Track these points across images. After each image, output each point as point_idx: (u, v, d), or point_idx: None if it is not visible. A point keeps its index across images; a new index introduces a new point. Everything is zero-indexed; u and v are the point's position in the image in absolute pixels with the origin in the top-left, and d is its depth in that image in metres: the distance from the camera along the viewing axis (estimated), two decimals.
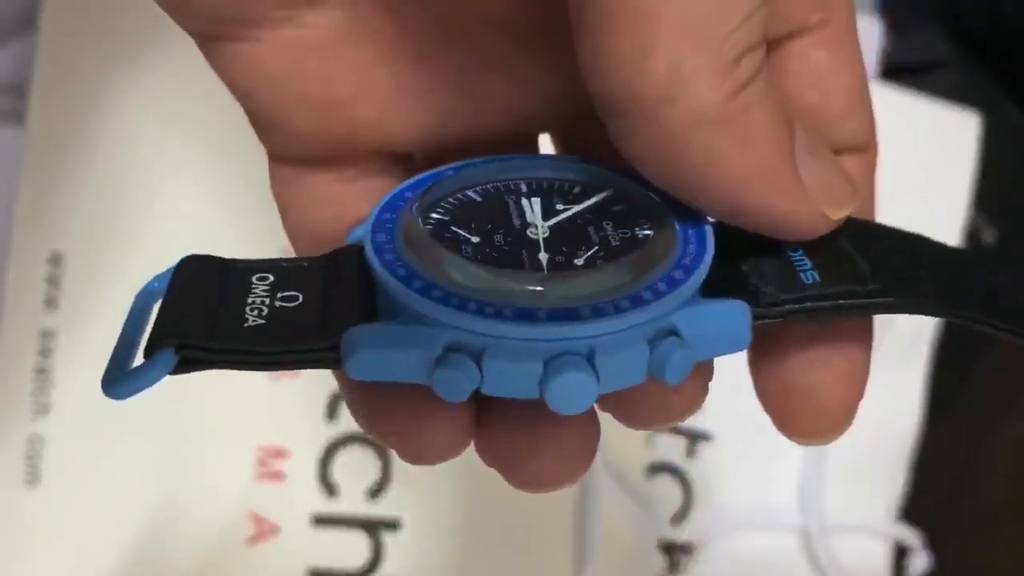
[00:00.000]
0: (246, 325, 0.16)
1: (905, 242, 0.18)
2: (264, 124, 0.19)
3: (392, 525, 0.36)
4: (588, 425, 0.17)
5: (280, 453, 0.36)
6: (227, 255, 0.18)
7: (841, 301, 0.17)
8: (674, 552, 0.38)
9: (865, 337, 0.18)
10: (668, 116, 0.14)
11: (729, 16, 0.14)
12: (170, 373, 0.16)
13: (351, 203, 0.19)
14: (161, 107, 0.36)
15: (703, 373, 0.17)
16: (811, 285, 0.17)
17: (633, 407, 0.17)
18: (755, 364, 0.18)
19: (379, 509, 0.36)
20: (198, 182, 0.36)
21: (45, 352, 0.35)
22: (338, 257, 0.17)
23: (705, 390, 0.17)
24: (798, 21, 0.17)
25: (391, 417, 0.16)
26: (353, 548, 0.36)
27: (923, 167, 0.40)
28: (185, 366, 0.16)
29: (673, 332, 0.16)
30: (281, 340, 0.16)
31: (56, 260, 0.36)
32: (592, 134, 0.18)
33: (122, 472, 0.35)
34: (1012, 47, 0.45)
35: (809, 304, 0.17)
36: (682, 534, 0.38)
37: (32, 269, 0.35)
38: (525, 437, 0.17)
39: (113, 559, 0.35)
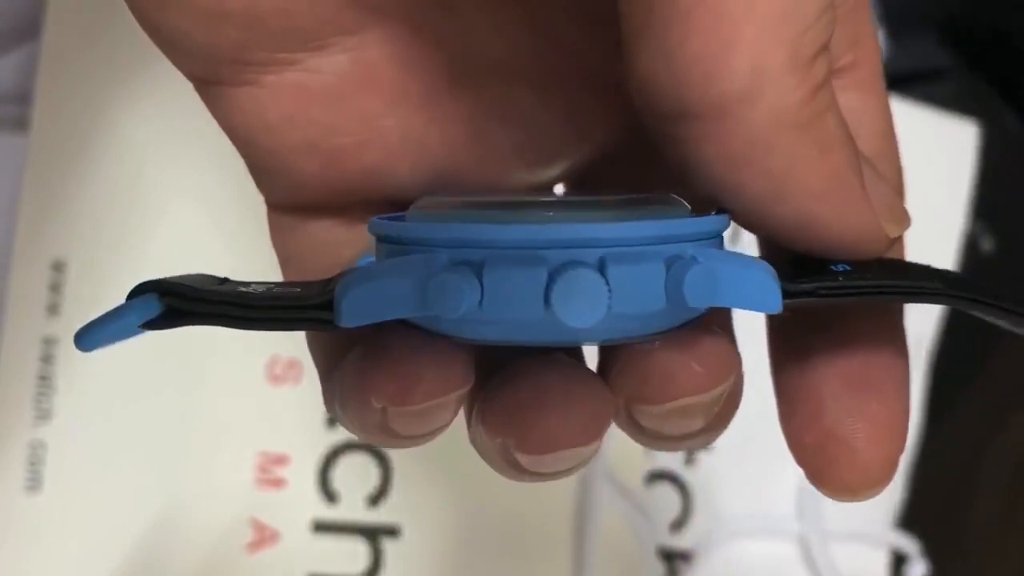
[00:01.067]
0: (239, 290, 0.15)
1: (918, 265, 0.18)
2: (265, 173, 0.18)
3: (392, 532, 0.36)
4: (597, 387, 0.16)
5: (280, 460, 0.36)
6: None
7: (877, 283, 0.16)
8: (673, 560, 0.38)
9: (904, 388, 0.17)
10: (750, 117, 0.14)
11: (807, 13, 0.14)
12: (149, 326, 0.15)
13: (355, 248, 0.18)
14: (164, 114, 0.36)
15: (728, 355, 0.16)
16: (843, 272, 0.16)
17: (652, 380, 0.15)
18: (789, 416, 0.17)
19: (379, 516, 0.36)
20: (201, 189, 0.36)
21: (47, 358, 0.35)
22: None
23: (731, 370, 0.16)
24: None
25: (380, 364, 0.15)
26: (353, 555, 0.36)
27: (922, 176, 0.40)
28: (168, 320, 0.15)
29: (693, 260, 0.15)
30: (273, 300, 0.15)
31: (58, 267, 0.36)
32: (605, 180, 0.18)
33: (123, 478, 0.35)
34: (1011, 56, 0.45)
35: (842, 283, 0.16)
36: (681, 542, 0.38)
37: (34, 275, 0.35)
38: (531, 393, 0.15)
39: (114, 565, 0.35)
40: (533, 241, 0.14)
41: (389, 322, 0.15)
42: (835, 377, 0.17)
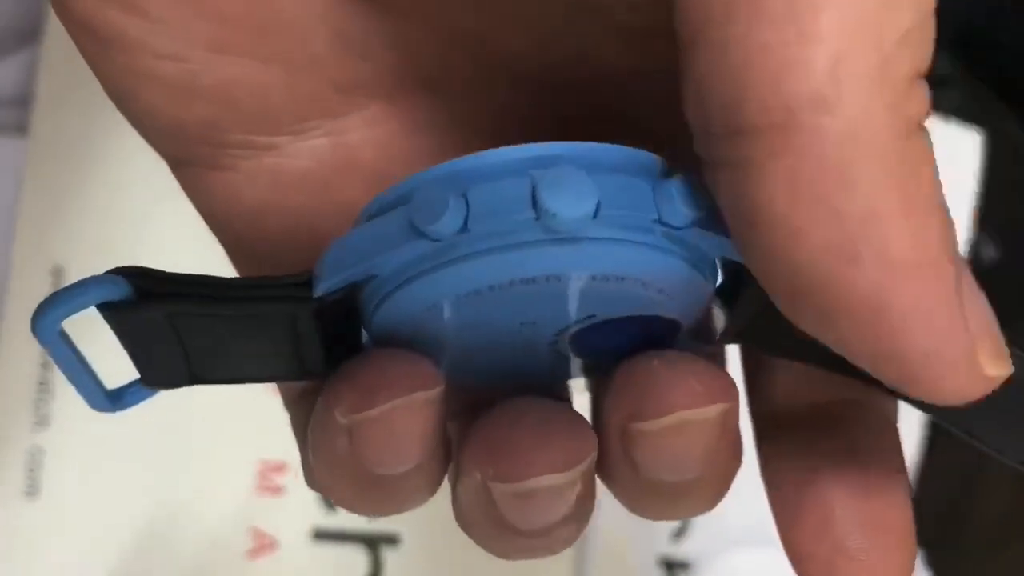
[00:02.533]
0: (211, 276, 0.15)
1: None
2: (242, 258, 0.17)
3: (391, 540, 0.36)
4: (578, 420, 0.15)
5: (280, 467, 0.36)
6: (230, 268, 0.17)
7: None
8: (674, 569, 0.38)
9: (908, 491, 0.16)
10: (825, 128, 0.11)
11: (898, 17, 0.11)
12: (115, 308, 0.14)
13: None
14: None
15: (726, 380, 0.15)
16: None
17: (650, 392, 0.14)
18: (791, 527, 0.16)
19: (378, 524, 0.36)
20: None
21: (46, 364, 0.35)
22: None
23: (728, 395, 0.14)
24: None
25: (344, 378, 0.14)
26: (352, 563, 0.36)
27: None
28: (135, 303, 0.14)
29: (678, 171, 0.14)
30: (248, 280, 0.15)
31: (57, 273, 0.36)
32: None
33: (122, 485, 0.35)
34: (1014, 66, 0.45)
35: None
36: (681, 551, 0.38)
37: (33, 282, 0.35)
38: (509, 420, 0.15)
39: (112, 572, 0.35)
40: (514, 160, 0.13)
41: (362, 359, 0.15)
42: (840, 484, 0.16)
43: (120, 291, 0.14)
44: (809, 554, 0.16)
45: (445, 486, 0.17)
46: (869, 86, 0.11)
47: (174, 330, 0.15)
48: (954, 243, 0.12)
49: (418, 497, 0.16)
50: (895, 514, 0.16)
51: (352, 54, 0.16)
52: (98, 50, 0.15)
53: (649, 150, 0.14)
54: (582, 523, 0.15)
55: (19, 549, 0.35)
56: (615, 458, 0.15)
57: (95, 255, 0.36)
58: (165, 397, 0.38)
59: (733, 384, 0.15)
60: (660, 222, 0.14)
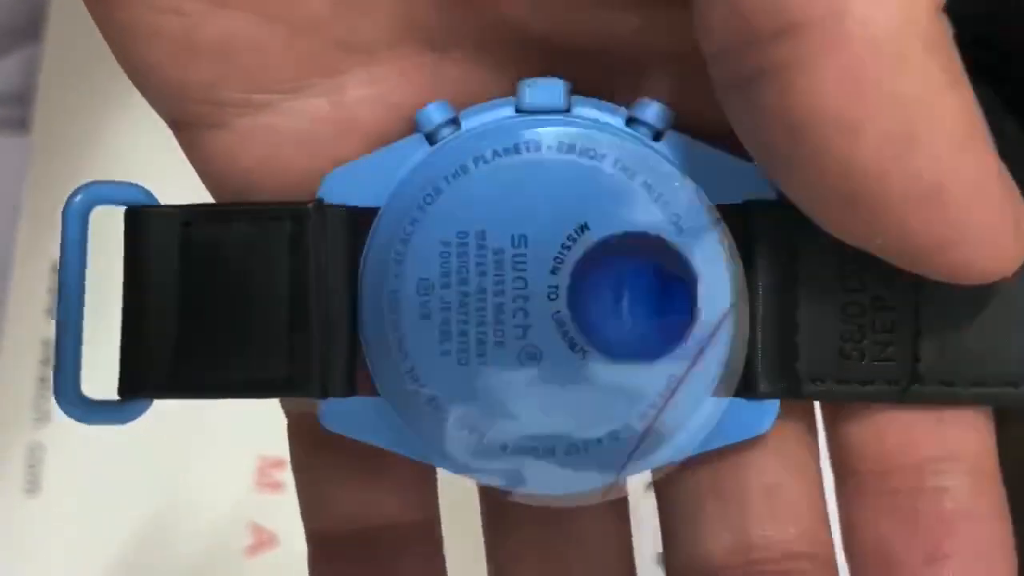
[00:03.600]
0: (215, 359, 0.15)
1: None
2: None
3: None
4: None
5: (280, 463, 0.36)
6: None
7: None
8: None
9: (1009, 554, 0.15)
10: (877, 18, 0.11)
11: None
12: (137, 210, 0.15)
13: None
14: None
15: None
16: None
17: None
18: None
19: None
20: (202, 191, 0.36)
21: (47, 361, 0.35)
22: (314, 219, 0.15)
23: None
24: None
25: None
26: None
27: None
28: (155, 208, 0.16)
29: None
30: (249, 382, 0.15)
31: (58, 269, 0.36)
32: None
33: (122, 481, 0.35)
34: (1013, 64, 0.45)
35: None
36: None
37: (34, 278, 0.35)
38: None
39: (112, 568, 0.35)
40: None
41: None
42: (915, 548, 0.15)
43: (148, 199, 0.15)
44: None
45: (442, 483, 0.17)
46: None
47: (180, 257, 0.15)
48: (988, 134, 0.12)
49: None
50: None
51: (353, 11, 0.15)
52: (102, 9, 0.15)
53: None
54: None
55: (19, 546, 0.35)
56: None
57: (96, 251, 0.36)
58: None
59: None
60: (633, 119, 0.15)
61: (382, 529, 0.17)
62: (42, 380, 0.35)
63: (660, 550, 0.37)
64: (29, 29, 0.37)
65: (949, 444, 0.15)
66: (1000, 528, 0.15)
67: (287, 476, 0.36)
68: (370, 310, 0.15)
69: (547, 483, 0.14)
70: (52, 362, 0.35)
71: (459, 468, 0.15)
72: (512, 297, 0.14)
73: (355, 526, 0.17)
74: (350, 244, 0.15)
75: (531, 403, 0.14)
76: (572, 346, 0.14)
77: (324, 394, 0.15)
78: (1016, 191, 0.13)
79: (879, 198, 0.12)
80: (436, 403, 0.14)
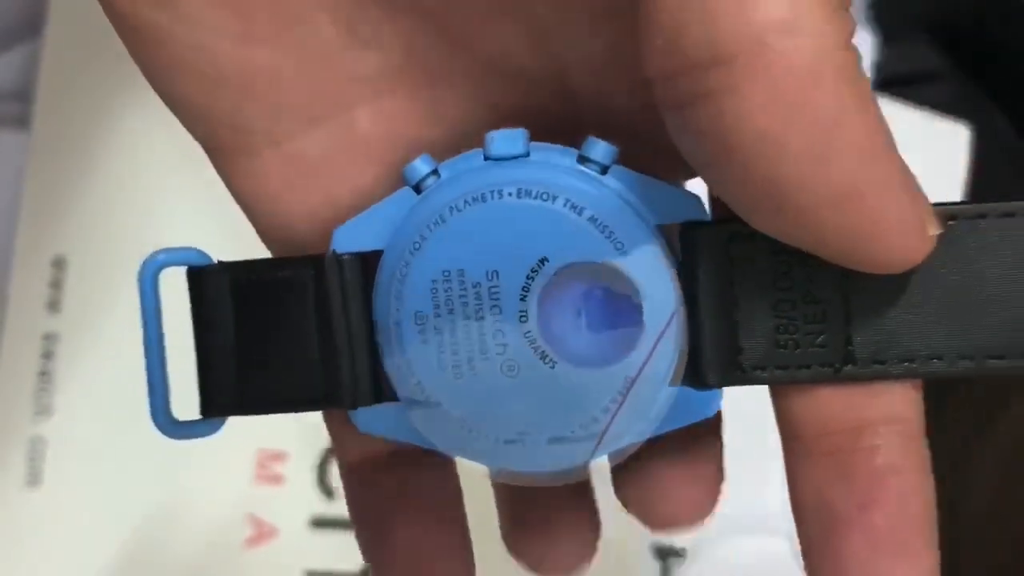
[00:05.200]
0: (269, 384, 0.18)
1: None
2: (271, 239, 0.19)
3: None
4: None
5: (279, 456, 0.36)
6: (230, 259, 0.18)
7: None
8: (667, 556, 0.38)
9: (934, 537, 0.17)
10: (794, 48, 0.13)
11: None
12: (197, 270, 0.18)
13: None
14: (165, 112, 0.36)
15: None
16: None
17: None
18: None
19: None
20: (202, 186, 0.36)
21: (47, 355, 0.36)
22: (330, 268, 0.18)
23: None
24: None
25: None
26: (351, 551, 0.36)
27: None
28: (210, 268, 0.18)
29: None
30: (297, 400, 0.18)
31: (59, 263, 0.36)
32: None
33: (122, 474, 0.35)
34: (1003, 60, 0.46)
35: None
36: (675, 539, 0.38)
37: (35, 272, 0.36)
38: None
39: (113, 560, 0.35)
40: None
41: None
42: (862, 540, 0.16)
43: (204, 259, 0.18)
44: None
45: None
46: (820, 11, 0.13)
47: (233, 303, 0.18)
48: (890, 134, 0.14)
49: None
50: (915, 569, 0.16)
51: (360, 46, 0.17)
52: (138, 44, 0.17)
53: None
54: None
55: (20, 538, 0.35)
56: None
57: (97, 246, 0.36)
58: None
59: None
60: (582, 157, 0.17)
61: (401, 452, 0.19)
62: (42, 374, 0.35)
63: (655, 541, 0.38)
64: (30, 25, 0.37)
65: (881, 410, 0.17)
66: (923, 480, 0.17)
67: (286, 469, 0.37)
68: (383, 336, 0.18)
69: (532, 466, 0.17)
70: (53, 356, 0.35)
71: (463, 456, 0.18)
72: (491, 321, 0.17)
73: (380, 450, 0.19)
74: (363, 283, 0.18)
75: (514, 406, 0.17)
76: (543, 358, 0.17)
77: (354, 405, 0.18)
78: (921, 190, 0.15)
79: (802, 204, 0.14)
80: (440, 409, 0.17)
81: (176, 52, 0.17)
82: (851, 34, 0.14)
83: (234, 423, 0.36)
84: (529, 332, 0.17)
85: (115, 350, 0.36)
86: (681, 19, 0.13)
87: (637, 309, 0.17)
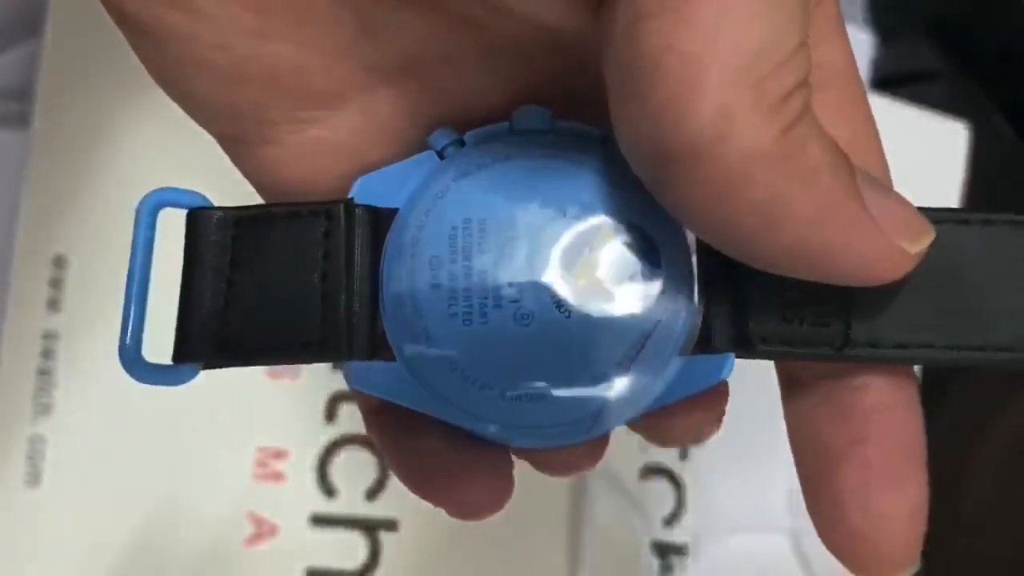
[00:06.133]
0: (257, 328, 0.17)
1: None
2: None
3: (390, 526, 0.37)
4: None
5: (279, 454, 0.36)
6: None
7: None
8: (667, 554, 0.38)
9: (922, 469, 0.18)
10: (722, 156, 0.14)
11: (774, 55, 0.14)
12: (198, 210, 0.18)
13: None
14: (165, 110, 0.36)
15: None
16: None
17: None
18: (814, 510, 0.18)
19: (377, 510, 0.37)
20: (202, 184, 0.36)
21: (47, 353, 0.36)
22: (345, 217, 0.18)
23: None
24: None
25: (432, 482, 0.18)
26: (351, 548, 0.36)
27: (912, 176, 0.41)
28: (213, 209, 0.18)
29: None
30: (286, 345, 0.17)
31: (59, 262, 0.36)
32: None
33: (122, 473, 0.35)
34: (1001, 58, 0.46)
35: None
36: (675, 536, 0.38)
37: (35, 271, 0.36)
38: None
39: (113, 559, 0.35)
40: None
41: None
42: (856, 473, 0.17)
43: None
44: (829, 536, 0.18)
45: None
46: (751, 116, 0.14)
47: (232, 243, 0.17)
48: (849, 182, 0.15)
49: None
50: (907, 499, 0.17)
51: (375, 37, 0.17)
52: (151, 45, 0.17)
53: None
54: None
55: (20, 537, 0.35)
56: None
57: (97, 245, 0.36)
58: (164, 389, 0.38)
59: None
60: (605, 136, 0.17)
61: None
62: (42, 373, 0.35)
63: (655, 538, 0.38)
64: (30, 24, 0.37)
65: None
66: (912, 416, 0.18)
67: (286, 467, 0.37)
68: (391, 285, 0.17)
69: (540, 419, 0.17)
70: (53, 354, 0.35)
71: (464, 418, 0.17)
72: (508, 269, 0.17)
73: None
74: (373, 236, 0.18)
75: (525, 356, 0.17)
76: (558, 307, 0.17)
77: (350, 356, 0.17)
78: (901, 208, 0.16)
79: (768, 260, 0.15)
80: (447, 359, 0.17)
81: (194, 51, 0.17)
82: (798, 115, 0.15)
83: (234, 420, 0.36)
84: (546, 281, 0.17)
85: (115, 349, 0.36)
86: (633, 121, 0.15)
87: (655, 265, 0.17)
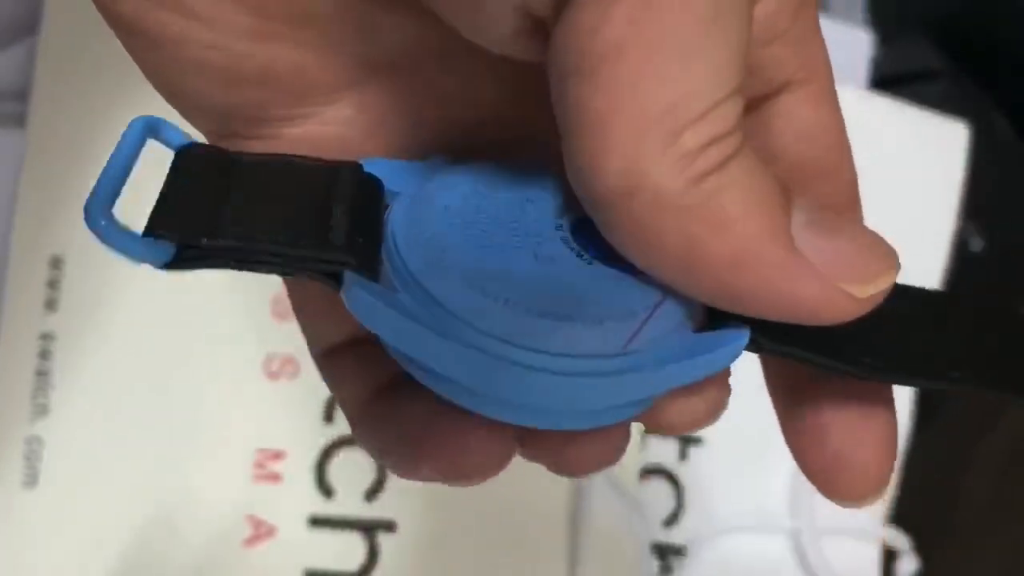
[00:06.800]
0: (250, 223, 0.15)
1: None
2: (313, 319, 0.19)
3: (388, 527, 0.37)
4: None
5: (277, 455, 0.36)
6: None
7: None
8: (667, 555, 0.38)
9: (893, 405, 0.19)
10: (632, 208, 0.15)
11: (687, 111, 0.15)
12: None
13: None
14: (162, 111, 0.36)
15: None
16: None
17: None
18: (795, 442, 0.19)
19: (375, 511, 0.37)
20: None
21: (44, 354, 0.35)
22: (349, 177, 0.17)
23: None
24: (781, 79, 0.18)
25: (432, 439, 0.17)
26: (349, 550, 0.36)
27: (912, 176, 0.41)
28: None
29: None
30: (280, 239, 0.15)
31: (56, 263, 0.36)
32: None
33: (120, 474, 0.35)
34: (1001, 58, 0.46)
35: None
36: (675, 537, 0.38)
37: (32, 272, 0.36)
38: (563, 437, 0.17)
39: (111, 561, 0.35)
40: None
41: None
42: (834, 410, 0.18)
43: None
44: (810, 464, 0.18)
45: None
46: (658, 170, 0.15)
47: (228, 173, 0.16)
48: (771, 226, 0.15)
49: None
50: (882, 427, 0.18)
51: (369, 36, 0.17)
52: (147, 47, 0.17)
53: None
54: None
55: (17, 538, 0.35)
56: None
57: (93, 246, 0.36)
58: (162, 389, 0.38)
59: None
60: None
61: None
62: (40, 374, 0.35)
63: (655, 540, 0.38)
64: (26, 24, 0.37)
65: None
66: None
67: (284, 468, 0.37)
68: (403, 213, 0.17)
69: (548, 347, 0.16)
70: (50, 355, 0.35)
71: (471, 346, 0.16)
72: (527, 224, 0.17)
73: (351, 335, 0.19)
74: (377, 197, 0.17)
75: (546, 286, 0.16)
76: (580, 256, 0.17)
77: (345, 264, 0.16)
78: (839, 256, 0.16)
79: (703, 298, 0.16)
80: (465, 276, 0.16)
81: (191, 52, 0.17)
82: (714, 165, 0.15)
83: (232, 422, 0.36)
84: (568, 229, 0.17)
85: (112, 350, 0.36)
86: (568, 167, 0.15)
87: None
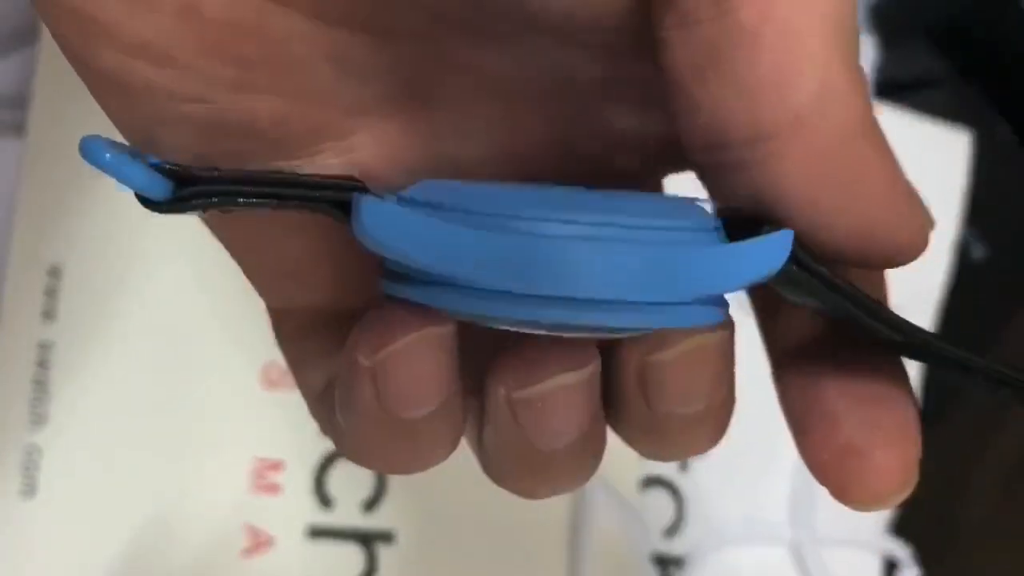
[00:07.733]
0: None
1: None
2: (264, 284, 0.19)
3: (386, 537, 0.36)
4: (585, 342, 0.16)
5: (275, 465, 0.36)
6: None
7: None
8: (667, 566, 0.38)
9: (910, 395, 0.18)
10: (824, 128, 0.14)
11: (853, 21, 0.14)
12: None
13: None
14: None
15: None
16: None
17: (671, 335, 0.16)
18: (803, 436, 0.18)
19: (373, 521, 0.36)
20: None
21: (43, 364, 0.35)
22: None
23: (733, 329, 0.16)
24: None
25: (367, 326, 0.16)
26: (347, 560, 0.36)
27: (915, 183, 0.41)
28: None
29: None
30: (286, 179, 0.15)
31: (55, 272, 0.36)
32: None
33: (118, 484, 0.35)
34: (1004, 65, 0.46)
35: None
36: (675, 547, 0.38)
37: (30, 281, 0.36)
38: (527, 347, 0.16)
39: (109, 570, 0.35)
40: None
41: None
42: (844, 395, 0.17)
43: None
44: (819, 459, 0.17)
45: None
46: (847, 86, 0.14)
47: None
48: (898, 161, 0.15)
49: (441, 448, 0.17)
50: (896, 414, 0.17)
51: (354, 81, 0.17)
52: (124, 100, 0.16)
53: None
54: (596, 456, 0.18)
55: (16, 548, 0.35)
56: (629, 395, 0.16)
57: (92, 255, 0.36)
58: (160, 398, 0.37)
59: (730, 316, 0.17)
60: None
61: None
62: (37, 383, 0.35)
63: (654, 550, 0.38)
64: (25, 32, 0.37)
65: None
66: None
67: (283, 478, 0.37)
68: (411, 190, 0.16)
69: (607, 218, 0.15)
70: (48, 364, 0.35)
71: (513, 232, 0.15)
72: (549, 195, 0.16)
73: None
74: None
75: (563, 198, 0.15)
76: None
77: (357, 185, 0.15)
78: (913, 193, 0.16)
79: (827, 243, 0.15)
80: (488, 194, 0.15)
81: (173, 106, 0.16)
82: (867, 88, 0.15)
83: (231, 431, 0.36)
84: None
85: (111, 359, 0.36)
86: (723, 101, 0.14)
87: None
